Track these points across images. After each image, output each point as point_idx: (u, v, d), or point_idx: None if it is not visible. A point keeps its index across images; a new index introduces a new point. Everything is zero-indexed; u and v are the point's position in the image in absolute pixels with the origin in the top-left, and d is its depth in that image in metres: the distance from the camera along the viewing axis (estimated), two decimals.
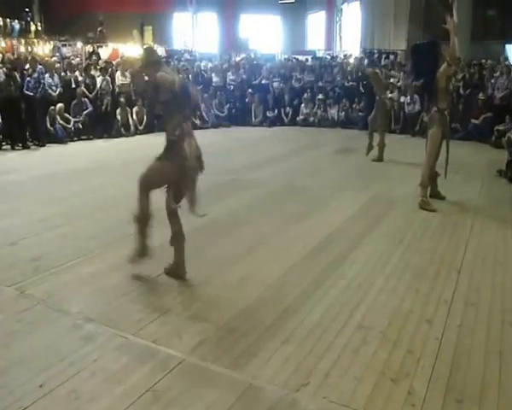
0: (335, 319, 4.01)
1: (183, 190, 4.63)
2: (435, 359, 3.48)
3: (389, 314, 4.09)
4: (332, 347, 3.62)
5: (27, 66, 13.16)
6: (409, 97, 14.60)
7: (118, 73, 14.89)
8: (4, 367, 3.35)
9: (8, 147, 12.24)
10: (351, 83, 16.69)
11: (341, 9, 27.05)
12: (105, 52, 18.59)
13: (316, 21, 29.60)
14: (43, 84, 12.98)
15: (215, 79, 17.22)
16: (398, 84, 15.55)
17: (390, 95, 15.10)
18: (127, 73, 14.84)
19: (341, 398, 3.08)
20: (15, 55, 15.51)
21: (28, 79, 12.55)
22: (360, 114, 15.67)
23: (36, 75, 12.72)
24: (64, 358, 3.44)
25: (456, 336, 3.79)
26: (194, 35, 27.39)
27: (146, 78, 4.70)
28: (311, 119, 16.40)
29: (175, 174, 4.57)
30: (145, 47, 4.73)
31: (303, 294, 4.44)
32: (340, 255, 5.34)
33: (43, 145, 12.51)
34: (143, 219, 4.75)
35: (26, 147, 12.29)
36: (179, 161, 4.49)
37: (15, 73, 12.41)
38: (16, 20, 20.15)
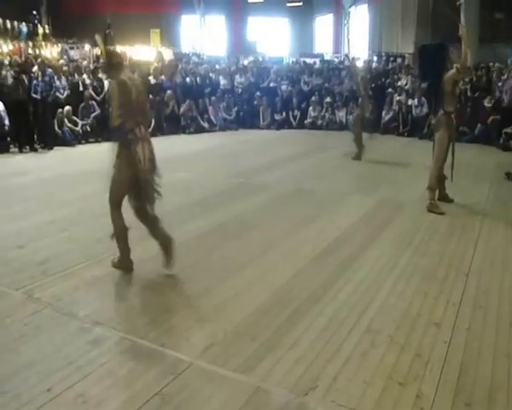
0: (343, 323, 3.99)
1: (141, 192, 4.82)
2: (443, 362, 3.47)
3: (397, 318, 4.08)
4: (340, 350, 3.61)
5: (35, 68, 13.22)
6: (416, 100, 14.56)
7: None
8: (12, 371, 3.36)
9: (16, 150, 12.30)
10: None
11: (349, 12, 27.02)
12: None
13: (323, 24, 29.62)
14: (55, 87, 13.06)
15: (223, 81, 17.24)
16: (406, 87, 15.52)
17: (398, 97, 15.11)
18: (135, 76, 14.86)
19: (350, 402, 3.07)
20: (23, 58, 15.59)
21: (35, 81, 12.60)
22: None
23: (47, 78, 12.78)
24: (72, 362, 3.44)
25: (464, 339, 3.77)
26: (202, 37, 27.44)
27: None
28: (319, 122, 16.39)
29: (132, 177, 4.76)
30: (108, 50, 4.95)
31: (311, 297, 4.43)
32: (349, 258, 5.33)
33: (51, 148, 12.55)
34: (121, 233, 4.92)
35: (33, 150, 12.35)
36: (131, 165, 4.69)
37: (23, 76, 12.47)
38: (24, 23, 20.27)
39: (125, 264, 5.01)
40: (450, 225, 6.57)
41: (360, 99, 11.25)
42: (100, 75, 14.81)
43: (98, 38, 5.08)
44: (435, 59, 7.07)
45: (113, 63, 4.80)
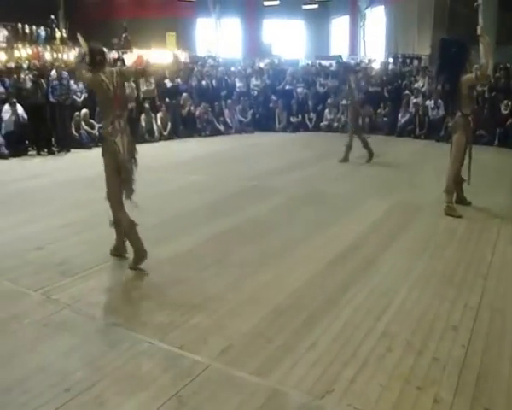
0: (360, 326, 3.98)
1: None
2: (461, 366, 3.44)
3: (414, 321, 4.06)
4: (357, 354, 3.60)
5: (53, 72, 13.34)
6: (433, 102, 14.45)
7: (142, 79, 15.01)
8: (31, 371, 3.40)
9: (34, 152, 12.44)
10: (375, 88, 16.57)
11: (365, 14, 26.94)
12: (129, 58, 18.76)
13: (339, 26, 29.58)
14: (72, 90, 13.18)
15: (238, 84, 17.23)
16: (423, 89, 15.41)
17: (415, 100, 15.01)
18: (152, 80, 15.00)
19: (366, 405, 3.06)
20: (41, 62, 15.74)
21: (53, 85, 12.71)
22: (385, 119, 15.58)
23: (65, 82, 12.90)
24: (90, 362, 3.47)
25: (482, 343, 3.74)
26: (217, 40, 27.53)
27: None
28: (335, 124, 16.29)
29: (115, 166, 5.13)
30: (92, 45, 5.19)
31: (327, 300, 4.43)
32: (365, 262, 5.31)
33: (69, 151, 12.66)
34: (130, 228, 5.13)
35: (51, 153, 12.47)
36: (113, 155, 5.08)
37: (41, 80, 12.61)
38: (42, 27, 20.46)
39: (139, 256, 5.11)
40: (467, 228, 6.52)
41: (350, 101, 11.41)
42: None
43: (80, 37, 5.33)
44: (455, 59, 6.93)
45: (96, 60, 5.07)
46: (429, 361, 3.50)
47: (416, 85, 15.83)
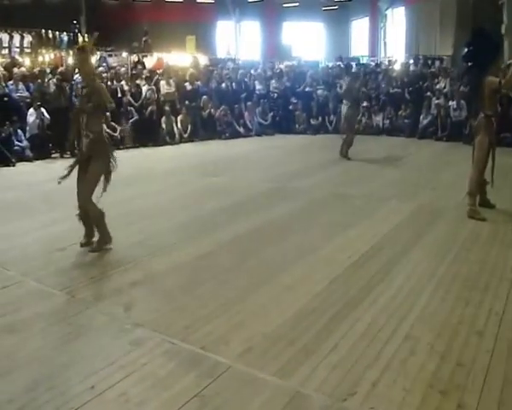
0: (382, 329, 3.95)
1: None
2: (486, 372, 3.39)
3: (437, 326, 4.01)
4: (379, 357, 3.57)
5: (76, 76, 13.51)
6: (455, 103, 14.28)
7: (162, 82, 15.13)
8: (55, 369, 3.44)
9: (58, 155, 12.59)
10: (395, 89, 16.47)
11: (385, 15, 26.79)
12: (150, 61, 18.91)
13: (359, 28, 29.46)
14: None
15: (258, 86, 17.25)
16: (445, 90, 15.26)
17: (436, 101, 14.89)
18: (172, 82, 15.10)
19: (389, 409, 3.04)
20: (64, 67, 15.96)
21: (76, 88, 12.88)
22: (406, 121, 15.46)
23: None
24: (113, 361, 3.50)
25: (508, 348, 3.68)
26: (237, 43, 27.61)
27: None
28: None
29: (104, 168, 5.80)
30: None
31: (349, 303, 4.40)
32: (387, 265, 5.27)
33: None
34: (101, 218, 5.71)
35: (74, 155, 12.57)
36: (106, 155, 5.74)
37: (64, 84, 12.78)
38: (64, 33, 20.72)
39: (104, 242, 5.71)
40: (491, 231, 6.43)
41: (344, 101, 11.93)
42: (138, 81, 15.04)
43: (93, 37, 5.72)
44: (485, 54, 6.82)
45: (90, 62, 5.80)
46: (453, 366, 3.46)
47: (437, 87, 15.67)
